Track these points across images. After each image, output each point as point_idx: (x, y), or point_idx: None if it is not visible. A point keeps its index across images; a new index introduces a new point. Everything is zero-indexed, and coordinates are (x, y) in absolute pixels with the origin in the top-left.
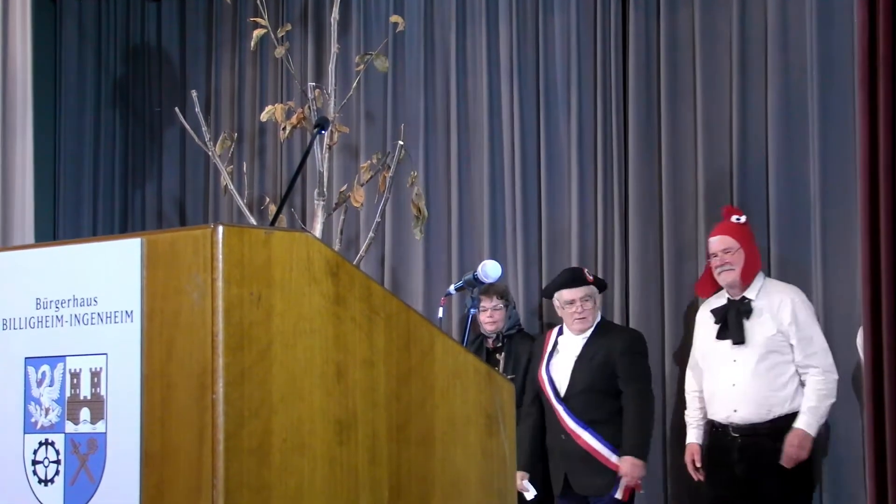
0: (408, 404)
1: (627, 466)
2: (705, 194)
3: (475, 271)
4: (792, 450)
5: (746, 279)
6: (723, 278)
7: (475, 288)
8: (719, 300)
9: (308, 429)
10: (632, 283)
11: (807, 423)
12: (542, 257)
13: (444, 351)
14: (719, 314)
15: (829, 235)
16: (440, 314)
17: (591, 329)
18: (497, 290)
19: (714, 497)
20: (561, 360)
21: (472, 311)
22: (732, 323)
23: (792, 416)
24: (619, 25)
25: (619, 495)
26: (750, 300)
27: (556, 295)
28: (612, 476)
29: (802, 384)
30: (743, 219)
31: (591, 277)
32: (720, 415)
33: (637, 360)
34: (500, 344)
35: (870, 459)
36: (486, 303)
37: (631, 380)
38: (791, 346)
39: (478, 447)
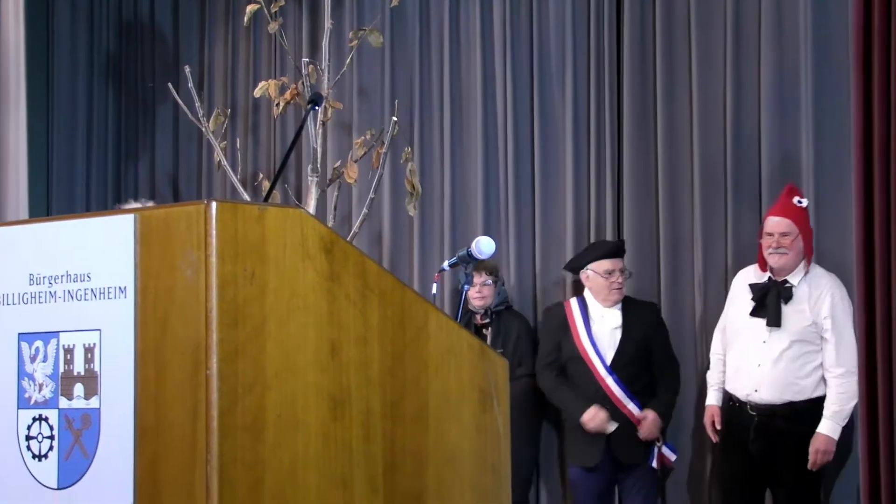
0: (402, 381)
1: (651, 419)
2: (700, 173)
3: (469, 247)
4: (818, 455)
5: (797, 264)
6: (773, 260)
7: (469, 264)
8: (759, 275)
9: (302, 405)
10: (626, 261)
11: (831, 429)
12: (535, 235)
13: (438, 327)
14: (758, 291)
15: (823, 213)
16: (434, 290)
17: (620, 301)
18: (486, 266)
19: (727, 472)
20: (602, 331)
21: (465, 287)
22: (771, 304)
23: (811, 401)
24: (613, 2)
25: (654, 464)
26: (792, 285)
27: (594, 265)
28: (647, 446)
29: (824, 378)
30: (805, 202)
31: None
32: (740, 392)
33: (667, 336)
34: (487, 320)
35: (862, 430)
36: (475, 279)
37: (668, 358)
38: (822, 338)
39: (472, 423)
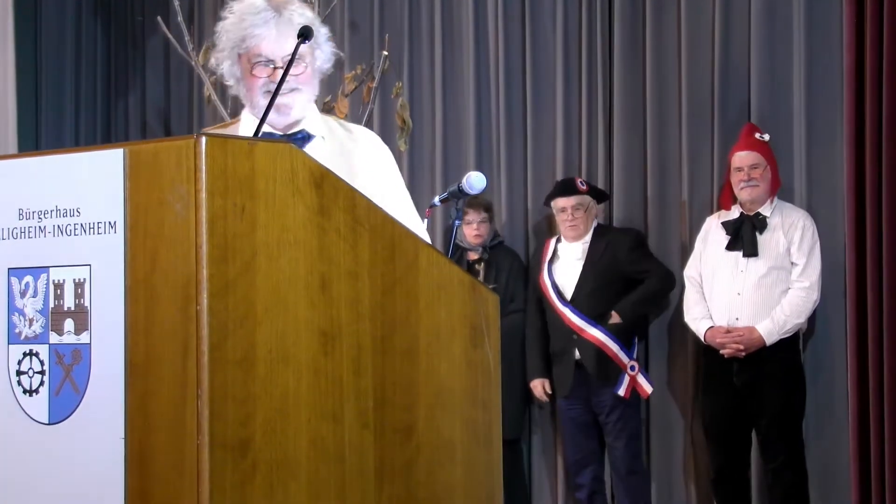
0: (392, 316)
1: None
2: (688, 105)
3: (460, 183)
4: (735, 345)
5: (768, 197)
6: (746, 193)
7: (460, 199)
8: (730, 214)
9: (293, 340)
10: (615, 193)
11: (767, 332)
12: (527, 168)
13: (428, 263)
14: (731, 227)
15: (813, 144)
16: (425, 226)
17: (589, 234)
18: (482, 203)
19: (713, 410)
20: (563, 266)
21: (456, 222)
22: (746, 236)
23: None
24: None
25: (621, 392)
26: (765, 216)
27: (552, 203)
28: (620, 373)
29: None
30: (767, 137)
31: (584, 187)
32: (721, 322)
33: (647, 256)
34: (478, 256)
35: (852, 368)
36: (473, 216)
37: (648, 271)
38: (792, 263)
39: (462, 358)
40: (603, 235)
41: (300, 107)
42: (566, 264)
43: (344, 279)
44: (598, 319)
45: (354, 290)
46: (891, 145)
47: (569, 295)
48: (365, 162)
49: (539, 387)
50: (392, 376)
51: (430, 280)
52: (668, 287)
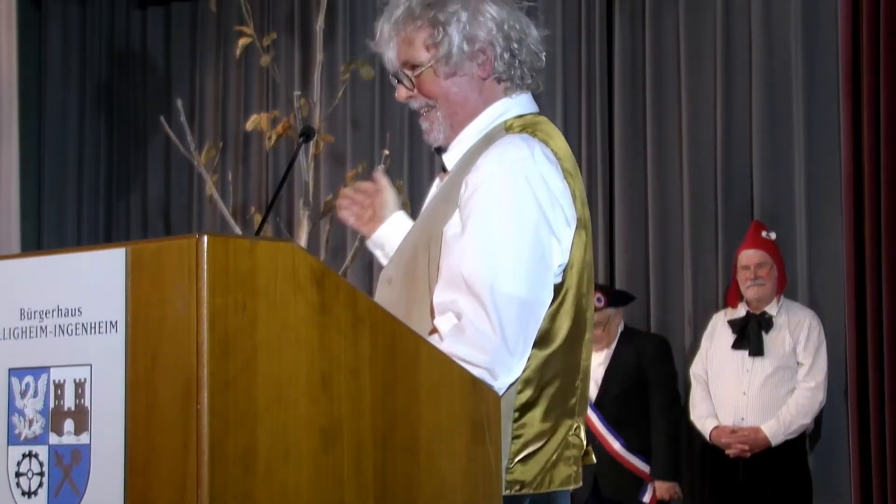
0: (393, 413)
1: (663, 490)
2: (690, 205)
3: None
4: (740, 446)
5: (774, 295)
6: (752, 293)
7: None
8: (736, 313)
9: (293, 437)
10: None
11: (773, 433)
12: None
13: (429, 359)
14: (738, 325)
15: (814, 236)
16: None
17: (615, 343)
18: None
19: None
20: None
21: None
22: (753, 335)
23: (797, 427)
24: (604, 33)
25: (646, 500)
26: (771, 315)
27: None
28: (640, 482)
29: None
30: (773, 235)
31: (600, 304)
32: (727, 421)
33: (666, 369)
34: None
35: (854, 444)
36: None
37: (660, 389)
38: (798, 362)
39: (463, 455)
40: (630, 341)
41: (441, 125)
42: (592, 366)
43: (345, 376)
44: (619, 429)
45: (355, 387)
46: (890, 239)
47: (594, 398)
48: (455, 196)
49: None
50: (393, 473)
51: (431, 377)
52: (675, 422)
